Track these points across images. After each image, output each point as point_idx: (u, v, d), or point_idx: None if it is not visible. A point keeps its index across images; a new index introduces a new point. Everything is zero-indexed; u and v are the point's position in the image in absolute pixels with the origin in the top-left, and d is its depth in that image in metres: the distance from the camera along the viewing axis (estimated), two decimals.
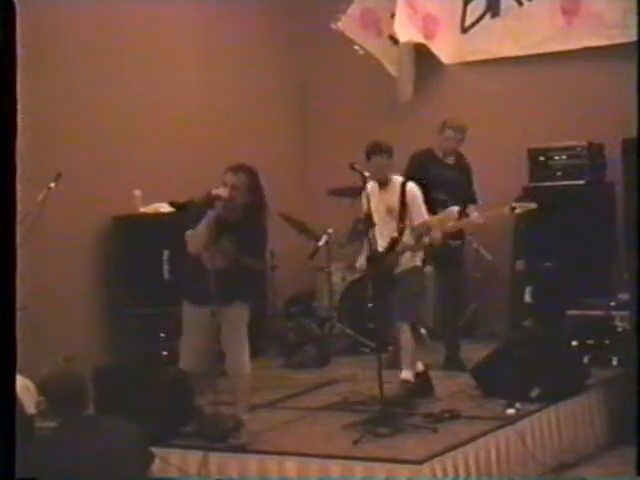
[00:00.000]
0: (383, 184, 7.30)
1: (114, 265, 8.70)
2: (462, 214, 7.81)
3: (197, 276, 6.22)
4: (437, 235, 7.28)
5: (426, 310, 8.57)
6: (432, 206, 7.52)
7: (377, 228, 6.95)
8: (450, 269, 8.24)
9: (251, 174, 6.23)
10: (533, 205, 7.77)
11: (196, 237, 6.18)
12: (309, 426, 6.84)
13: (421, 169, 7.95)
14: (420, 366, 7.42)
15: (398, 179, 7.34)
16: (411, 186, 7.31)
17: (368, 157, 7.27)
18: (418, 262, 7.37)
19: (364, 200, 6.88)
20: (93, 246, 8.71)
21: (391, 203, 7.27)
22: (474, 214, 7.95)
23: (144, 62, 9.15)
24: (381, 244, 7.11)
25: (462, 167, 8.36)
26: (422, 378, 7.39)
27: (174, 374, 6.55)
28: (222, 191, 6.12)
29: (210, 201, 6.12)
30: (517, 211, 7.70)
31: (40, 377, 4.61)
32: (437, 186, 7.81)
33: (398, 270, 7.24)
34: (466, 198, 8.13)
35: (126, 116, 8.87)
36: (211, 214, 6.08)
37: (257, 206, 6.26)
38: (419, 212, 7.28)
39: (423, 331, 8.73)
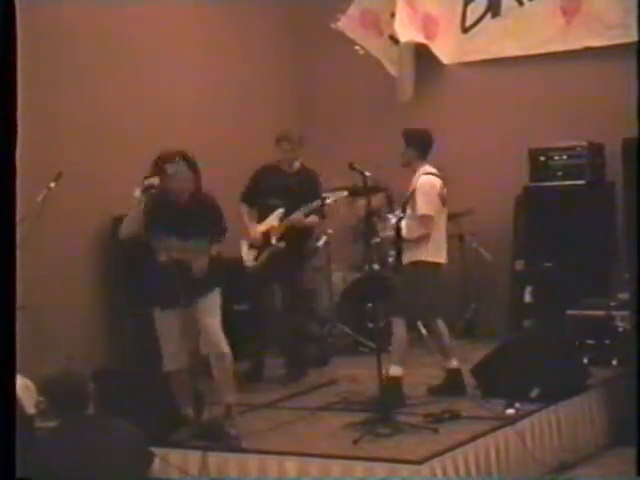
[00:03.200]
0: (413, 173, 7.37)
1: (114, 265, 8.71)
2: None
3: (163, 279, 6.28)
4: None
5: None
6: (267, 212, 8.11)
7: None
8: (280, 273, 8.16)
9: (190, 162, 6.37)
10: (344, 193, 7.92)
11: (125, 223, 6.40)
12: (309, 426, 6.84)
13: (261, 178, 8.30)
14: (454, 363, 7.43)
15: (424, 170, 7.34)
16: (422, 179, 7.30)
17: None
18: (424, 256, 7.28)
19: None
20: (93, 246, 8.71)
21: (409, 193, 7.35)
22: (295, 214, 8.03)
23: (144, 62, 9.15)
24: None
25: (305, 176, 8.28)
26: (454, 375, 7.41)
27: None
28: (154, 180, 6.25)
29: (144, 190, 6.26)
30: (328, 201, 7.80)
31: (41, 377, 4.61)
32: (275, 194, 8.14)
33: (405, 261, 7.24)
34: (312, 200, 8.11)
35: (126, 116, 8.87)
36: (145, 201, 6.25)
37: (198, 191, 6.41)
38: (419, 204, 7.22)
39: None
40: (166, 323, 6.43)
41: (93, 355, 8.07)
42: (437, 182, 7.33)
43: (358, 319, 9.30)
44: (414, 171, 7.36)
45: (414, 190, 7.26)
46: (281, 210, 7.99)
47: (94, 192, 8.47)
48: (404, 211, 7.32)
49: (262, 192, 8.23)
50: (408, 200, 7.31)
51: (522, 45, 9.72)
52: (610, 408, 7.52)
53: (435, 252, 7.31)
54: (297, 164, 8.32)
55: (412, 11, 9.77)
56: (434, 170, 7.39)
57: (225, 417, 6.40)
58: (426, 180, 7.29)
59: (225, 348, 6.41)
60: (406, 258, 7.26)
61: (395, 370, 7.15)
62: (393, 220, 7.41)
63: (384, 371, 6.77)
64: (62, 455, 4.27)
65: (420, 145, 7.38)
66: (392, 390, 7.00)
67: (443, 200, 7.35)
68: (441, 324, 7.48)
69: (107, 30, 8.82)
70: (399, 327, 7.23)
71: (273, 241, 8.02)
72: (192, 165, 6.37)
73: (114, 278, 8.72)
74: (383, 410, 6.58)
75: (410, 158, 7.37)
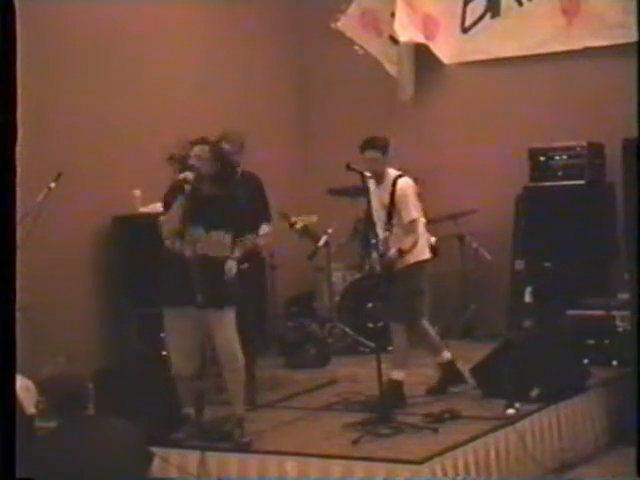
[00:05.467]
0: (378, 180, 7.20)
1: (114, 265, 8.70)
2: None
3: (177, 276, 6.21)
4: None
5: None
6: None
7: (378, 225, 7.11)
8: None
9: (214, 145, 6.37)
10: (314, 218, 7.56)
11: (169, 221, 6.25)
12: (309, 426, 6.84)
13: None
14: (446, 355, 7.43)
15: (392, 174, 7.20)
16: (402, 182, 7.16)
17: (362, 151, 7.22)
18: (422, 256, 7.27)
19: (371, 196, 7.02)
20: (93, 246, 8.71)
21: (384, 200, 7.17)
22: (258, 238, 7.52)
23: (145, 62, 9.15)
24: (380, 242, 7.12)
25: (249, 182, 7.67)
26: (449, 368, 7.43)
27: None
28: (189, 174, 6.19)
29: (180, 186, 6.17)
30: (297, 226, 7.49)
31: (40, 377, 4.60)
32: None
33: (399, 266, 7.14)
34: (260, 209, 7.56)
35: (126, 116, 8.87)
36: (181, 198, 6.15)
37: (224, 177, 6.35)
38: (406, 210, 7.13)
39: None
40: (177, 324, 6.31)
41: (93, 355, 8.06)
42: (411, 182, 7.26)
43: (358, 319, 9.31)
44: (382, 177, 7.21)
45: (395, 196, 7.10)
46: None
47: (94, 192, 8.46)
48: (389, 221, 7.11)
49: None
50: (390, 208, 7.12)
51: (522, 45, 9.72)
52: (610, 408, 7.52)
53: (423, 250, 7.30)
54: (239, 169, 7.60)
55: (412, 11, 9.78)
56: (398, 171, 7.29)
57: (236, 427, 6.37)
58: (405, 183, 7.18)
59: (240, 363, 6.36)
60: (400, 263, 7.12)
61: (397, 374, 7.18)
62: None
63: (384, 373, 6.77)
64: (62, 455, 4.27)
65: (388, 151, 7.24)
66: (393, 393, 7.04)
67: (419, 198, 7.32)
68: (426, 325, 7.44)
69: (107, 29, 8.81)
70: (399, 332, 7.24)
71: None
72: (214, 148, 6.39)
73: (114, 278, 8.72)
74: (383, 410, 6.58)
75: (383, 166, 7.22)
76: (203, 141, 6.32)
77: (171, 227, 6.25)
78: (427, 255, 7.35)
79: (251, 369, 7.51)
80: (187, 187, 6.15)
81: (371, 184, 7.19)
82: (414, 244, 7.15)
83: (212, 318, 6.26)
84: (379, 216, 7.20)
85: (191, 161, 6.24)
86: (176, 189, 6.21)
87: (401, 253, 7.06)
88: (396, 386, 7.14)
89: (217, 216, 6.27)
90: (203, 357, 6.46)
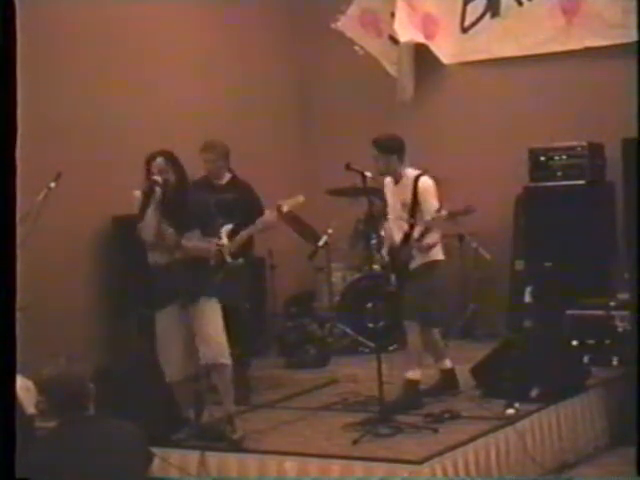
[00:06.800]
0: (397, 179, 7.28)
1: (114, 265, 8.71)
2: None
3: (161, 280, 6.32)
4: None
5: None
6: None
7: (393, 223, 7.25)
8: (227, 292, 6.77)
9: (168, 156, 6.39)
10: (300, 199, 7.47)
11: (146, 225, 6.34)
12: (309, 426, 6.84)
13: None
14: (448, 364, 7.44)
15: (413, 173, 7.25)
16: (424, 180, 7.22)
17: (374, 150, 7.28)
18: (439, 256, 7.27)
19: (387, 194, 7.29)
20: (93, 246, 8.71)
21: (405, 197, 7.22)
22: (250, 229, 7.37)
23: (144, 62, 9.16)
24: (397, 239, 7.21)
25: (238, 188, 7.72)
26: (448, 375, 7.42)
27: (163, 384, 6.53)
28: (157, 177, 6.29)
29: (151, 189, 6.29)
30: (285, 209, 7.50)
31: (40, 377, 4.60)
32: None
33: (413, 265, 7.16)
34: (251, 215, 7.41)
35: (126, 116, 8.87)
36: (153, 201, 6.29)
37: (180, 185, 6.39)
38: (428, 207, 7.14)
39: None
40: (164, 326, 6.36)
41: (93, 355, 8.06)
42: (432, 181, 7.26)
43: (358, 319, 9.31)
44: (399, 176, 7.26)
45: (418, 194, 7.15)
46: (229, 226, 7.23)
47: (94, 192, 8.47)
48: (413, 217, 7.16)
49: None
50: (413, 205, 7.17)
51: (522, 45, 9.72)
52: (610, 408, 7.51)
53: (440, 250, 7.31)
54: (227, 176, 7.76)
55: (412, 11, 9.78)
56: (418, 170, 7.32)
57: (227, 424, 6.39)
58: (427, 181, 7.21)
59: (225, 360, 6.34)
60: (417, 260, 7.15)
61: (412, 374, 7.13)
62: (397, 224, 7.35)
63: (385, 373, 6.78)
64: (62, 455, 4.27)
65: (401, 151, 7.27)
66: (410, 393, 7.05)
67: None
68: (435, 331, 7.45)
69: (107, 30, 8.83)
70: (414, 331, 7.19)
71: (228, 258, 7.01)
72: (168, 158, 6.39)
73: (114, 278, 8.72)
74: (384, 410, 6.58)
75: (395, 166, 7.26)
76: (160, 153, 6.38)
77: (149, 232, 6.35)
78: (442, 256, 7.34)
79: (245, 369, 7.53)
80: (158, 189, 6.25)
81: (387, 181, 7.34)
82: (437, 241, 7.17)
83: (196, 312, 6.29)
84: (397, 214, 7.30)
85: (154, 172, 6.33)
86: (148, 194, 6.29)
87: (428, 247, 7.10)
88: (413, 386, 7.12)
89: (187, 218, 6.33)
90: (195, 359, 6.45)
